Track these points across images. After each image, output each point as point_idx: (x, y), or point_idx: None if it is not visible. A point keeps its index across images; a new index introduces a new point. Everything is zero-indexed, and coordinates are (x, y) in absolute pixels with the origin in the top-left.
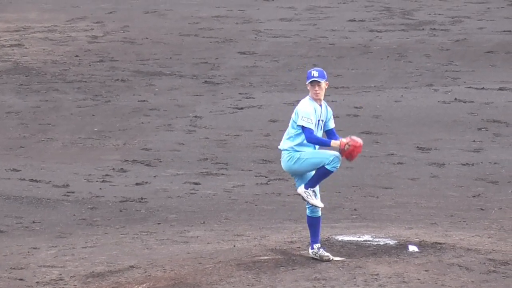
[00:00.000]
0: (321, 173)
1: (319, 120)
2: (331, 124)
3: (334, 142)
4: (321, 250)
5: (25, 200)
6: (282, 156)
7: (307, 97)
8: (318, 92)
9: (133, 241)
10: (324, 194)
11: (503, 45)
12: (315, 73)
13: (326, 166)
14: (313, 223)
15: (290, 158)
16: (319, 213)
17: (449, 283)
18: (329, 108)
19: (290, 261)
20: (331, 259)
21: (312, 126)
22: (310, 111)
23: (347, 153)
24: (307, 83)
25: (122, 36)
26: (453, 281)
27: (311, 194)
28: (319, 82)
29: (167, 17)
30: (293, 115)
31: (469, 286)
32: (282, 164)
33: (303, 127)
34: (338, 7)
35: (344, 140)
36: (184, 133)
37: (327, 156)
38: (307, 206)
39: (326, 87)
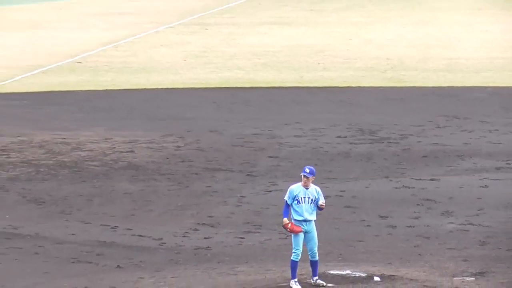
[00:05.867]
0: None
1: (304, 198)
2: (320, 201)
3: (284, 220)
4: (318, 280)
5: (134, 248)
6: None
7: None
8: (307, 182)
9: (202, 273)
10: (322, 245)
11: (433, 152)
12: (307, 170)
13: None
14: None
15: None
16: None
17: None
18: (317, 189)
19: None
20: (325, 285)
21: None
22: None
23: (289, 230)
24: (301, 174)
25: (196, 146)
26: None
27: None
28: (308, 177)
29: (223, 134)
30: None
31: None
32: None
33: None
34: (330, 129)
35: (288, 223)
36: (234, 206)
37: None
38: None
39: (313, 179)
